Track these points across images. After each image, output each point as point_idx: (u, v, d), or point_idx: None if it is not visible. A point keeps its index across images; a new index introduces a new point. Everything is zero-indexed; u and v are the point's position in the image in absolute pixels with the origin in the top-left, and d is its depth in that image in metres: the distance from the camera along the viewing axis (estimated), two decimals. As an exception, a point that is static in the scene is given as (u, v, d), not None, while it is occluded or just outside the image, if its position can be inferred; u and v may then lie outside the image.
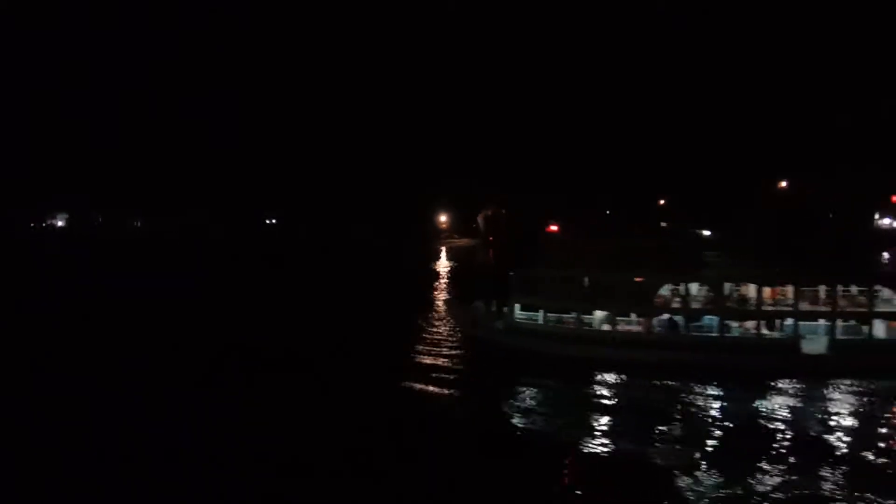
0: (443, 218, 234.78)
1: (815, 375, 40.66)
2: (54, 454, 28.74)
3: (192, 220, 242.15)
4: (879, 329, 43.00)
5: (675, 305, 43.88)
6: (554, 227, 49.91)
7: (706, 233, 48.50)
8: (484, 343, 46.55)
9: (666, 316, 43.85)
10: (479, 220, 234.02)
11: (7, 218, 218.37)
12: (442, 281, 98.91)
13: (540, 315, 45.32)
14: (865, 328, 42.61)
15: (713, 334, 43.02)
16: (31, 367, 43.69)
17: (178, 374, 41.57)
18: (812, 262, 44.47)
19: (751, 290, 44.19)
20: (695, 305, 43.93)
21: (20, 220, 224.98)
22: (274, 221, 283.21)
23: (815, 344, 42.64)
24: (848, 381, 39.72)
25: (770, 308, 43.66)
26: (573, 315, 44.85)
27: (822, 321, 43.24)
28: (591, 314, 44.85)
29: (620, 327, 44.20)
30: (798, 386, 39.38)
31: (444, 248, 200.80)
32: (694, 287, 44.44)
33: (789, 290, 44.61)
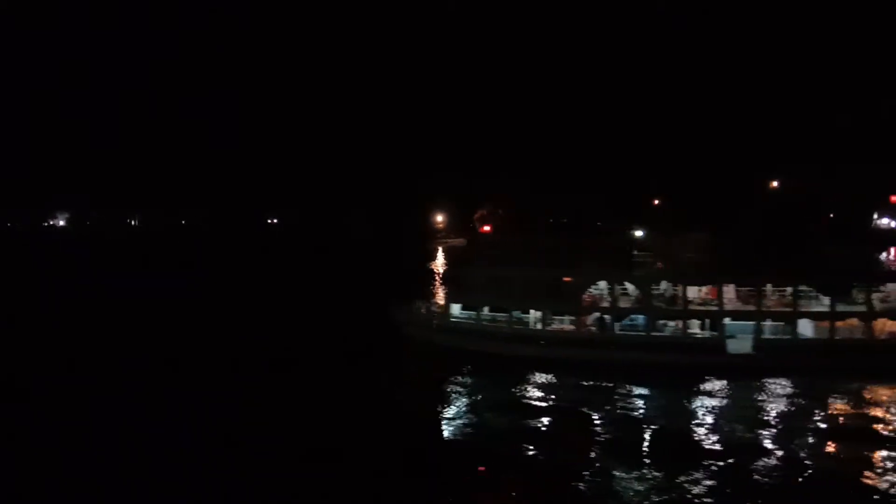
0: (439, 218, 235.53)
1: (741, 374, 41.57)
2: (53, 454, 29.22)
3: (192, 219, 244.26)
4: (807, 328, 43.79)
5: (605, 304, 44.80)
6: (487, 228, 50.55)
7: (638, 233, 49.36)
8: (422, 343, 47.36)
9: (596, 315, 44.81)
10: (476, 219, 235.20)
11: (8, 218, 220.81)
12: (438, 281, 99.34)
13: (475, 314, 46.22)
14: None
15: (641, 333, 43.94)
16: (32, 367, 44.52)
17: (177, 374, 42.29)
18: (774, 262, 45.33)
19: (689, 289, 45.15)
20: (624, 304, 44.87)
21: (22, 220, 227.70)
22: (275, 221, 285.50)
23: (740, 343, 43.45)
24: (773, 380, 40.60)
25: (698, 308, 44.55)
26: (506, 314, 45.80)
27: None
28: (526, 313, 45.76)
29: (556, 326, 45.13)
30: (722, 384, 40.27)
31: (440, 249, 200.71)
32: (628, 287, 45.40)
33: (731, 289, 45.65)
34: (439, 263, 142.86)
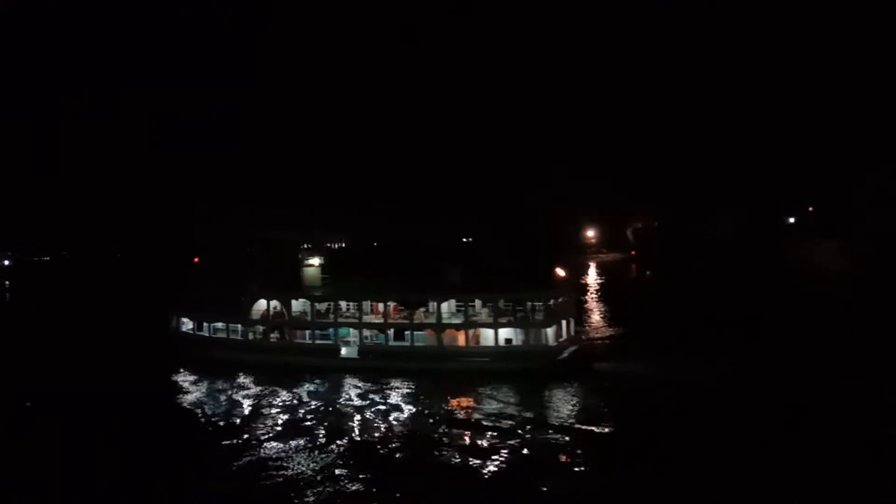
0: (590, 233, 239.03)
1: (352, 373, 52.06)
2: None
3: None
4: (419, 338, 52.61)
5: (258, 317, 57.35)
6: (196, 259, 64.29)
7: (316, 260, 60.15)
8: (174, 350, 62.20)
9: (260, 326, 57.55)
10: (629, 233, 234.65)
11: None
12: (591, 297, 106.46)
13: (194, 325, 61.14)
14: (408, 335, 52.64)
15: (286, 340, 56.00)
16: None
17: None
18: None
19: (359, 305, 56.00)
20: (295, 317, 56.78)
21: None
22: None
23: (350, 349, 53.68)
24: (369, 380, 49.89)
25: (324, 320, 55.25)
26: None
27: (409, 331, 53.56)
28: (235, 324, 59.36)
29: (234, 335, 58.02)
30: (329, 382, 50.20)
31: (592, 264, 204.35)
32: (297, 303, 57.29)
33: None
34: (591, 280, 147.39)
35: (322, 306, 55.66)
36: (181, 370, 56.02)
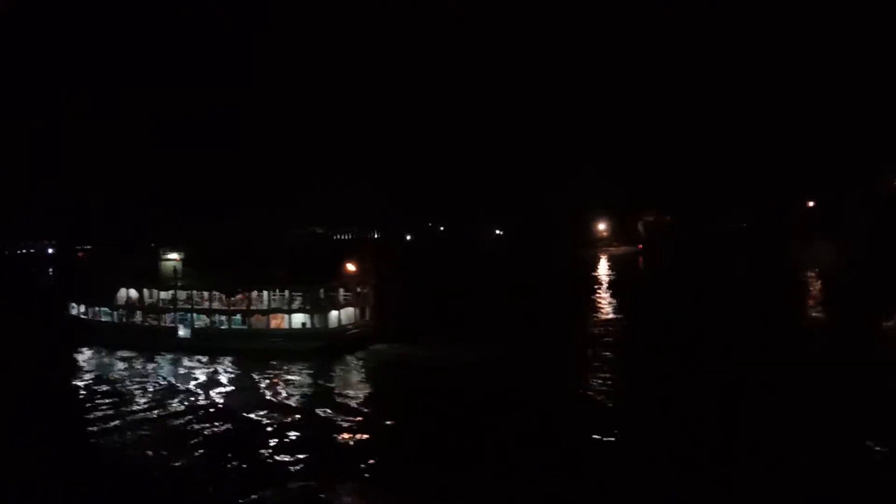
0: (601, 226, 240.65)
1: (187, 351, 59.31)
2: None
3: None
4: (237, 321, 59.56)
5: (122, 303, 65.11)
6: (80, 254, 72.14)
7: (175, 256, 67.05)
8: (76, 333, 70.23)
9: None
10: (639, 226, 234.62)
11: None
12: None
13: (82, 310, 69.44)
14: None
15: (144, 323, 63.64)
16: None
17: None
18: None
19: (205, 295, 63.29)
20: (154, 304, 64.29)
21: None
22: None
23: (185, 330, 60.91)
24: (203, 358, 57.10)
25: (165, 306, 62.57)
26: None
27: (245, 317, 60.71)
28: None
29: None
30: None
31: (603, 256, 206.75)
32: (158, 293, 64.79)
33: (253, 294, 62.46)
34: (602, 272, 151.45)
35: (167, 295, 63.11)
36: (64, 350, 63.53)
